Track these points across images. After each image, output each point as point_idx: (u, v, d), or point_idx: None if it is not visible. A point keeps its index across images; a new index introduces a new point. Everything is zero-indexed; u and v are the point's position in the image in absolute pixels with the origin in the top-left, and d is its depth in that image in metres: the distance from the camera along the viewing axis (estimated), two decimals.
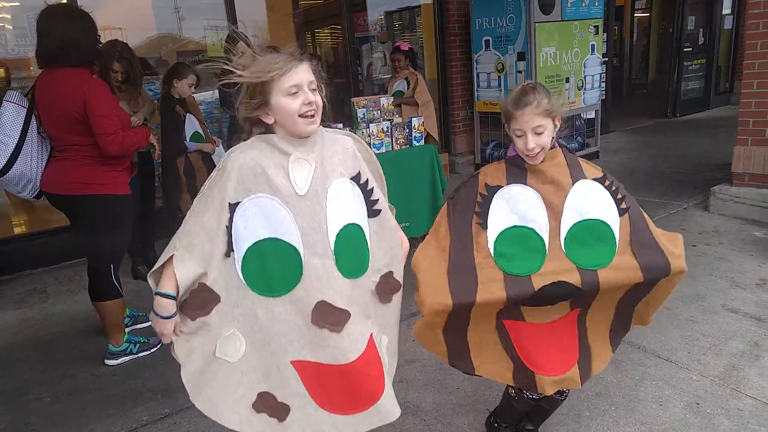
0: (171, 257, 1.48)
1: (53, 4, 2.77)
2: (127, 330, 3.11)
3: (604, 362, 1.90)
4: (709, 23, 9.43)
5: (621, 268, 1.69)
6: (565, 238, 1.72)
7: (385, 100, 4.26)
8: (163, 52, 5.63)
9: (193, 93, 4.08)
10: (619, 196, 1.76)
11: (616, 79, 8.56)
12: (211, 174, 1.51)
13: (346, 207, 1.56)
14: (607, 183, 1.77)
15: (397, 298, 1.75)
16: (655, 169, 6.18)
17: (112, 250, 2.87)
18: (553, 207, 1.73)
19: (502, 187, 1.77)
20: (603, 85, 7.05)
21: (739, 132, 4.37)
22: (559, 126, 1.76)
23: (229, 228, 1.48)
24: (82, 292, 3.91)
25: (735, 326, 2.85)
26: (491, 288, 1.67)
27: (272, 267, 1.50)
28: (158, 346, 3.11)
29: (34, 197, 2.85)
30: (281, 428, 1.58)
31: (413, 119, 4.25)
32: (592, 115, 6.96)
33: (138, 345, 3.06)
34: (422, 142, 4.30)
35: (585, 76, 6.55)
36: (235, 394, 1.56)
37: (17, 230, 4.94)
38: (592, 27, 6.45)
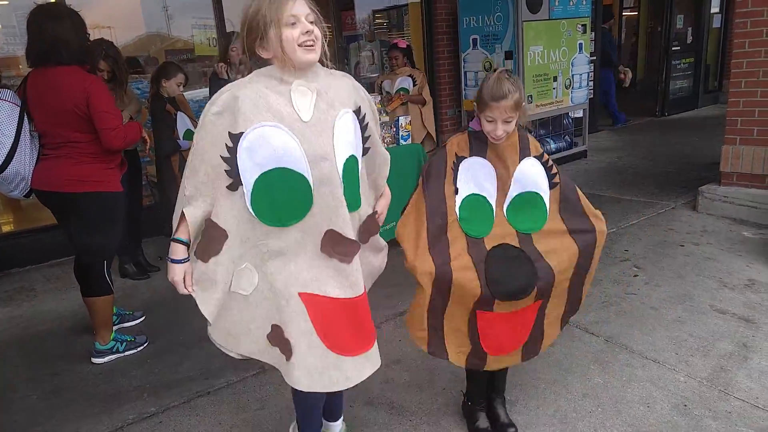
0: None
1: (42, 3, 2.77)
2: (114, 328, 3.10)
3: (551, 342, 2.17)
4: (697, 22, 9.46)
5: (551, 231, 2.00)
6: (507, 207, 2.00)
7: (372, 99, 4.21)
8: (151, 50, 5.60)
9: (181, 92, 4.10)
10: (553, 171, 2.03)
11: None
12: (206, 108, 1.51)
13: (349, 138, 1.59)
14: (543, 159, 2.04)
15: (382, 253, 1.90)
16: (644, 168, 6.18)
17: (105, 247, 2.91)
18: (502, 179, 1.99)
19: (465, 158, 2.00)
20: (591, 84, 7.04)
21: (727, 131, 4.36)
22: (522, 113, 1.96)
23: (233, 159, 1.47)
24: (70, 290, 3.97)
25: (723, 327, 2.83)
26: (458, 248, 1.92)
27: (281, 197, 1.51)
28: (145, 345, 3.10)
29: (24, 196, 2.85)
30: (288, 367, 1.59)
31: (400, 118, 4.21)
32: (580, 114, 6.94)
33: (125, 343, 3.05)
34: (409, 140, 4.25)
35: (573, 75, 6.54)
36: (252, 324, 1.59)
37: (5, 228, 4.90)
38: (580, 26, 6.44)
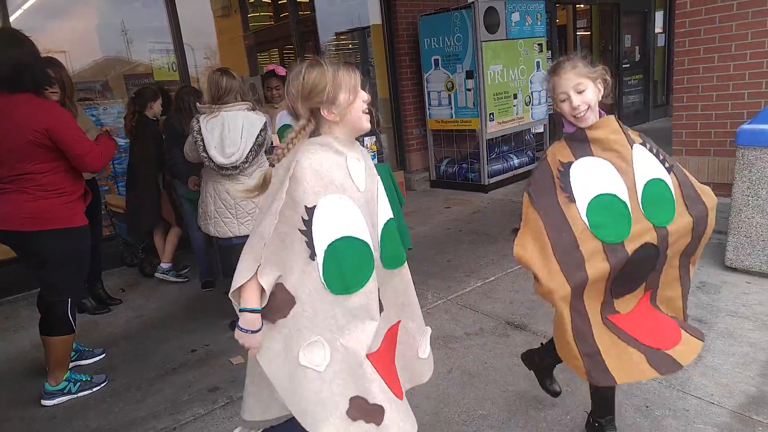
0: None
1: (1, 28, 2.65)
2: (71, 365, 2.96)
3: (696, 350, 1.93)
4: (643, 41, 9.94)
5: (680, 222, 1.81)
6: (641, 200, 1.79)
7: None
8: (109, 75, 5.51)
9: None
10: (661, 156, 1.87)
11: None
12: (273, 181, 1.57)
13: (385, 203, 1.69)
14: (648, 146, 1.87)
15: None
16: None
17: (69, 285, 2.77)
18: (624, 171, 1.80)
19: (573, 162, 1.84)
20: (550, 100, 7.28)
21: (674, 143, 4.61)
22: (602, 90, 1.85)
23: (309, 231, 1.51)
24: (20, 330, 3.80)
25: None
26: (595, 261, 1.74)
27: (348, 265, 1.53)
28: (103, 384, 2.97)
29: None
30: (382, 431, 1.58)
31: (365, 138, 4.27)
32: (540, 129, 7.19)
33: (79, 384, 2.90)
34: (375, 160, 4.33)
35: (532, 92, 6.78)
36: (328, 404, 1.55)
37: None
38: (537, 45, 6.70)
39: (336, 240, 1.52)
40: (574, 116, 1.84)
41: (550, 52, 7.58)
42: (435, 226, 4.93)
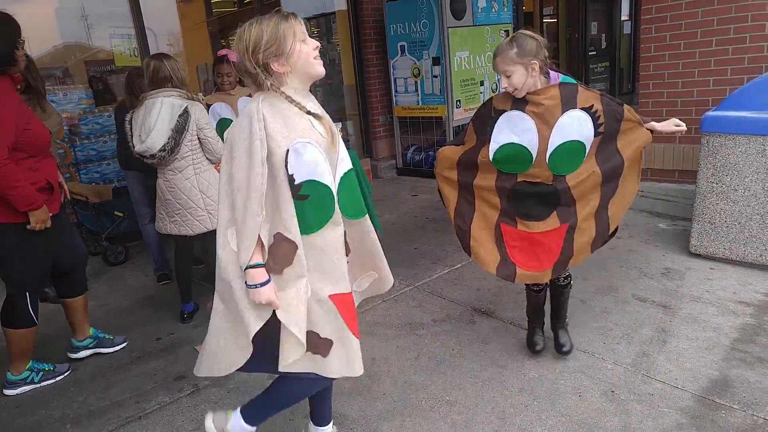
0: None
1: None
2: (89, 353, 2.94)
3: (579, 261, 2.45)
4: (609, 28, 10.02)
5: (583, 173, 2.30)
6: (549, 156, 2.26)
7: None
8: (70, 61, 5.33)
9: None
10: (600, 121, 2.26)
11: None
12: (240, 129, 1.56)
13: (344, 152, 1.75)
14: (593, 110, 2.24)
15: None
16: None
17: (25, 278, 2.68)
18: (542, 132, 2.24)
19: (506, 111, 2.30)
20: None
21: None
22: (536, 69, 2.20)
23: (289, 173, 1.56)
24: None
25: (644, 314, 3.00)
26: (485, 176, 2.43)
27: (309, 207, 1.61)
28: (66, 373, 2.91)
29: None
30: (324, 362, 1.71)
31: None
32: None
33: (42, 373, 2.85)
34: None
35: (498, 79, 6.74)
36: (282, 336, 1.65)
37: None
38: (503, 32, 6.67)
39: (302, 182, 1.58)
40: (509, 91, 2.27)
41: None
42: (402, 214, 4.88)
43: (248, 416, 1.91)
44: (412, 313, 3.24)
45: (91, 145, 5.12)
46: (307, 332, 1.66)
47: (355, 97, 6.95)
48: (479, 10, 6.27)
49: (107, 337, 3.12)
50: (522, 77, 2.20)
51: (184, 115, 2.98)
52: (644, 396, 2.33)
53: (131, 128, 3.07)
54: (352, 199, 1.77)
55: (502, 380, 2.53)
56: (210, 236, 3.22)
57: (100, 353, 3.10)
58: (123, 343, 3.19)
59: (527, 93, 2.24)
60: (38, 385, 2.82)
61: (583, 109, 2.23)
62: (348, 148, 4.28)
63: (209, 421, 1.93)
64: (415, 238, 4.56)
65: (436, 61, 6.11)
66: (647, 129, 2.36)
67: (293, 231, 1.59)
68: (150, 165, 3.11)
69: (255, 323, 1.62)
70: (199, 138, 3.07)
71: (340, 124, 4.32)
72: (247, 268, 1.57)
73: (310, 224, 1.63)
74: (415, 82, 6.40)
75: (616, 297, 3.22)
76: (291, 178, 1.56)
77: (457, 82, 6.18)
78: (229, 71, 3.83)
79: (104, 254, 4.61)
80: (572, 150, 2.25)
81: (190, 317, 3.44)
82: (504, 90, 2.27)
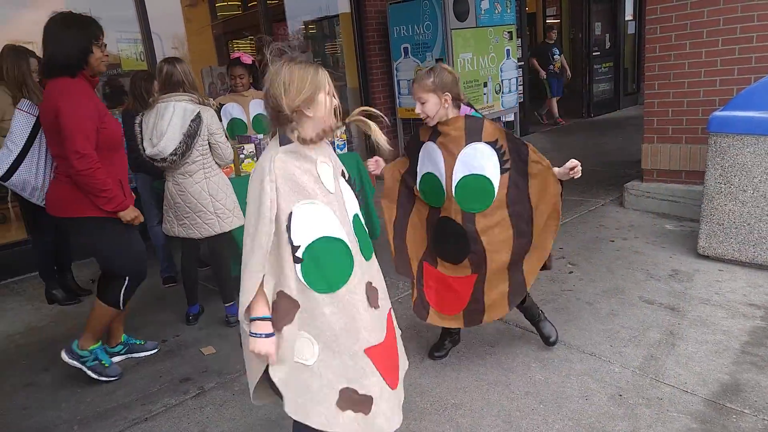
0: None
1: (58, 12, 2.66)
2: (121, 358, 2.95)
3: (497, 316, 2.53)
4: (613, 28, 9.99)
5: (493, 215, 2.37)
6: (455, 187, 2.35)
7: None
8: None
9: None
10: (505, 158, 2.34)
11: (532, 82, 8.91)
12: (254, 186, 1.60)
13: (353, 198, 1.78)
14: (498, 145, 2.34)
15: None
16: None
17: (119, 267, 2.74)
18: (448, 163, 2.35)
19: (425, 142, 2.43)
20: (520, 88, 7.28)
21: (645, 131, 4.60)
22: (448, 101, 2.31)
23: (289, 236, 1.59)
24: None
25: (651, 317, 2.96)
26: (420, 203, 2.55)
27: (327, 264, 1.62)
28: (116, 378, 2.86)
29: (44, 206, 2.79)
30: (368, 421, 1.69)
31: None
32: (511, 117, 7.16)
33: (96, 362, 2.84)
34: (345, 149, 4.24)
35: (502, 80, 6.75)
36: (318, 395, 1.64)
37: None
38: (506, 33, 6.65)
39: (314, 241, 1.61)
40: (420, 115, 2.36)
41: (520, 40, 7.55)
42: None
43: None
44: (415, 315, 3.22)
45: None
46: (345, 389, 1.67)
47: (358, 99, 6.94)
48: (482, 12, 6.26)
49: (138, 342, 3.08)
50: (435, 106, 2.31)
51: (197, 120, 2.99)
52: (653, 400, 2.30)
53: (141, 131, 3.07)
54: (365, 240, 1.78)
55: (508, 383, 2.51)
56: (217, 239, 3.22)
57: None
58: (154, 348, 3.12)
59: (438, 123, 2.36)
60: (84, 370, 2.81)
61: (487, 143, 2.33)
62: (351, 150, 4.29)
63: None
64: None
65: (439, 62, 6.10)
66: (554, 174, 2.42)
67: (293, 287, 1.60)
68: (160, 168, 3.12)
69: (256, 373, 1.67)
70: (209, 143, 3.08)
71: (343, 127, 4.30)
72: (253, 320, 1.60)
73: (334, 281, 1.64)
74: None
75: (623, 299, 3.19)
76: (290, 239, 1.58)
77: (460, 84, 6.15)
78: (242, 73, 3.99)
79: None
80: (478, 185, 2.34)
81: (195, 319, 3.43)
82: (421, 115, 2.36)
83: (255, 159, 3.81)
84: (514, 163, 2.36)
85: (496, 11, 6.44)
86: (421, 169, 2.46)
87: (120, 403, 2.65)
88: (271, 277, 1.61)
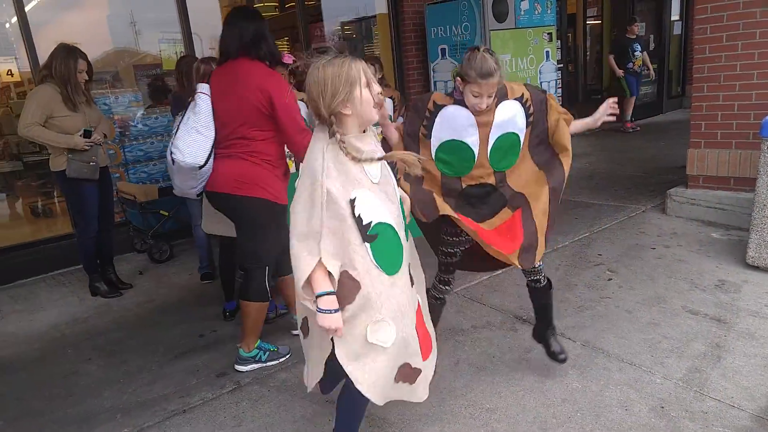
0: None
1: (239, 6, 2.89)
2: (256, 366, 2.89)
3: (542, 254, 2.41)
4: (658, 29, 9.71)
5: (521, 166, 2.34)
6: (490, 150, 2.26)
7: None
8: (119, 65, 5.53)
9: None
10: (530, 111, 2.29)
11: (571, 85, 8.72)
12: (306, 174, 1.69)
13: (395, 184, 1.84)
14: (524, 99, 2.27)
15: None
16: (613, 172, 6.28)
17: (263, 254, 2.78)
18: (484, 127, 2.23)
19: (446, 106, 2.26)
20: (559, 90, 7.16)
21: (692, 135, 4.45)
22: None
23: (359, 219, 1.67)
24: (38, 312, 3.93)
25: (696, 328, 2.87)
26: (430, 178, 2.33)
27: (388, 248, 1.74)
28: (287, 356, 2.94)
29: (197, 195, 2.89)
30: (412, 390, 1.89)
31: (372, 128, 4.15)
32: None
33: (268, 353, 2.91)
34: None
35: (541, 82, 6.63)
36: (390, 374, 1.79)
37: None
38: (546, 34, 6.54)
39: (374, 225, 1.70)
40: (476, 110, 2.19)
41: (559, 41, 7.42)
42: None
43: None
44: (451, 318, 3.20)
45: (139, 146, 5.28)
46: (403, 365, 1.83)
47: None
48: (522, 13, 6.16)
49: (272, 348, 2.97)
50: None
51: None
52: (697, 414, 2.23)
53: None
54: (404, 225, 1.88)
55: (544, 390, 2.46)
56: None
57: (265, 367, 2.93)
58: (288, 354, 3.01)
59: None
60: (265, 364, 2.87)
61: (515, 99, 2.27)
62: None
63: None
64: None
65: (476, 51, 6.04)
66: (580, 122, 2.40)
67: (359, 269, 1.69)
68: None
69: (324, 353, 1.81)
70: None
71: (378, 127, 4.30)
72: (319, 296, 1.66)
73: (395, 263, 1.77)
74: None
75: (665, 309, 3.09)
76: (359, 219, 1.66)
77: None
78: (283, 72, 3.93)
79: (150, 252, 4.74)
80: (508, 143, 2.28)
81: (232, 315, 3.49)
82: (475, 108, 2.18)
83: (292, 158, 3.85)
84: (536, 113, 2.31)
85: (536, 12, 6.35)
86: (440, 136, 2.27)
87: (159, 395, 2.72)
88: (337, 259, 1.68)
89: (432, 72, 6.55)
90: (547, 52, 6.63)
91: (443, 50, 6.35)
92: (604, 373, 2.54)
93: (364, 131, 1.77)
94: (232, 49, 2.67)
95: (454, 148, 2.27)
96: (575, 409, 2.32)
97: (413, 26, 6.70)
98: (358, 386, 1.73)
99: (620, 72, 8.40)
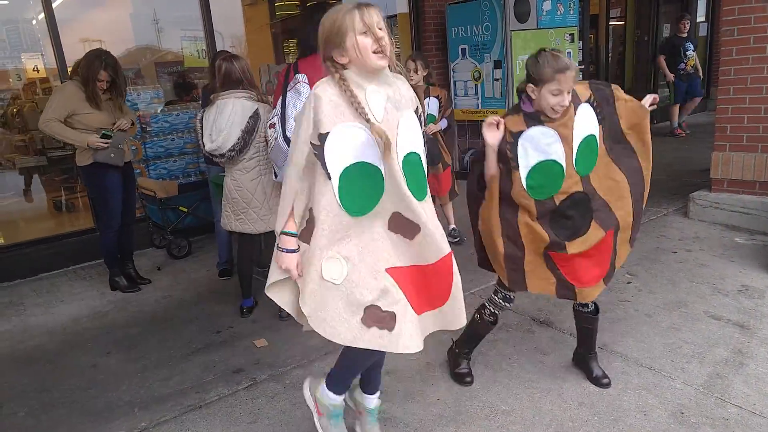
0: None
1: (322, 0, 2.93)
2: None
3: (624, 260, 2.40)
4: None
5: (599, 167, 2.24)
6: (575, 158, 2.17)
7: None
8: (141, 62, 5.61)
9: None
10: (598, 109, 2.21)
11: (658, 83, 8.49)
12: (300, 110, 1.73)
13: (411, 136, 1.77)
14: (591, 100, 2.20)
15: None
16: None
17: None
18: (566, 138, 2.14)
19: (524, 131, 2.15)
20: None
21: (716, 138, 4.38)
22: None
23: (321, 155, 1.67)
24: (60, 305, 3.99)
25: (718, 333, 2.82)
26: (525, 214, 2.24)
27: (361, 188, 1.70)
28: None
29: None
30: (393, 338, 1.74)
31: None
32: None
33: None
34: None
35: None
36: (346, 312, 1.72)
37: None
38: (568, 35, 6.48)
39: (349, 165, 1.68)
40: (555, 109, 2.08)
41: (581, 42, 7.33)
42: (458, 219, 4.80)
43: (330, 386, 2.06)
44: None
45: (159, 143, 5.34)
46: (369, 306, 1.73)
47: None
48: (544, 13, 6.11)
49: None
50: None
51: (254, 116, 3.05)
52: (718, 420, 2.19)
53: (202, 127, 3.16)
54: (418, 180, 1.79)
55: (561, 392, 2.44)
56: (272, 235, 3.27)
57: None
58: None
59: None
60: None
61: (585, 101, 2.21)
62: None
63: (306, 389, 2.12)
64: (471, 244, 4.47)
65: (497, 64, 6.01)
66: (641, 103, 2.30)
67: (320, 206, 1.70)
68: (218, 163, 3.21)
69: (273, 277, 1.84)
70: (266, 139, 3.13)
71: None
72: (281, 234, 1.77)
73: (364, 205, 1.72)
74: (476, 85, 6.31)
75: (686, 313, 3.04)
76: (323, 158, 1.66)
77: None
78: None
79: (168, 247, 4.79)
80: (589, 146, 2.22)
81: (249, 312, 3.51)
82: (558, 107, 2.08)
83: None
84: (604, 109, 2.24)
85: (558, 12, 6.28)
86: (527, 163, 2.16)
87: (176, 390, 2.74)
88: (304, 196, 1.74)
89: (452, 72, 6.53)
90: (569, 53, 6.55)
91: (464, 50, 6.33)
92: (623, 377, 2.51)
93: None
94: (316, 43, 2.76)
95: (544, 169, 2.17)
96: (592, 412, 2.29)
97: (434, 26, 6.68)
98: (312, 323, 1.74)
99: (671, 76, 7.86)
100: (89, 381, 2.90)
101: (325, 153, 1.66)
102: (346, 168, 1.68)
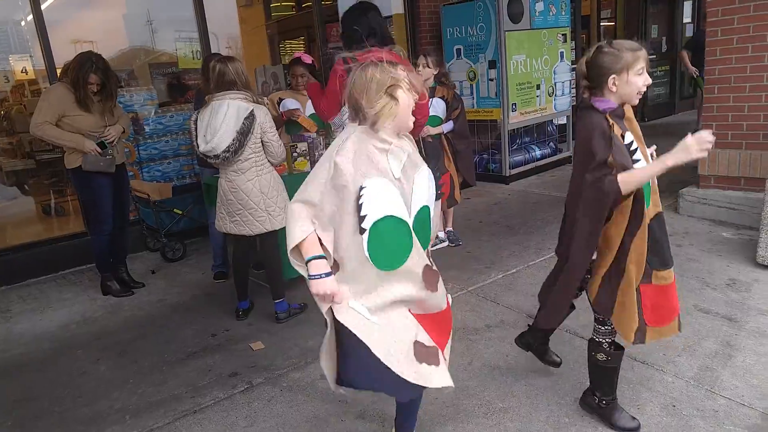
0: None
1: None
2: None
3: None
4: (670, 31, 9.67)
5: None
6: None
7: None
8: (135, 64, 5.58)
9: None
10: None
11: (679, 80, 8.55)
12: (323, 159, 1.72)
13: (424, 192, 1.79)
14: None
15: None
16: None
17: None
18: (642, 146, 2.01)
19: (623, 135, 1.98)
20: (573, 91, 7.14)
21: None
22: None
23: (358, 208, 1.65)
24: (47, 311, 3.93)
25: (707, 327, 2.88)
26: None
27: (391, 242, 1.69)
28: None
29: None
30: (438, 372, 1.78)
31: (299, 144, 3.92)
32: (563, 120, 7.04)
33: None
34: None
35: (555, 83, 6.64)
36: (399, 346, 1.72)
37: None
38: (561, 35, 6.55)
39: (380, 219, 1.66)
40: (641, 91, 1.93)
41: (573, 42, 7.41)
42: (455, 218, 4.86)
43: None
44: (465, 317, 3.22)
45: (153, 145, 5.33)
46: (416, 342, 1.76)
47: None
48: (537, 14, 6.18)
49: None
50: None
51: (250, 118, 3.05)
52: (708, 412, 2.24)
53: (196, 128, 3.16)
54: (425, 232, 1.83)
55: (557, 389, 2.48)
56: (268, 236, 3.29)
57: None
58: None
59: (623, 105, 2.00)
60: None
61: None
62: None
63: None
64: (468, 242, 4.53)
65: (492, 64, 6.06)
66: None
67: (351, 257, 1.70)
68: (214, 165, 3.21)
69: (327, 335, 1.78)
70: (262, 141, 3.14)
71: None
72: (309, 260, 1.68)
73: (393, 260, 1.71)
74: (471, 85, 6.36)
75: None
76: (359, 208, 1.65)
77: (513, 86, 6.11)
78: (303, 73, 4.08)
79: (163, 250, 4.75)
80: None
81: (245, 315, 3.50)
82: (643, 87, 1.93)
83: (308, 158, 3.88)
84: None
85: (551, 13, 6.35)
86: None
87: (170, 395, 2.71)
88: (331, 233, 1.70)
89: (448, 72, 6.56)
90: (562, 53, 6.63)
91: (458, 50, 6.37)
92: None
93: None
94: (353, 42, 2.88)
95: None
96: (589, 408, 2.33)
97: (429, 26, 6.71)
98: (375, 352, 1.68)
99: (694, 70, 7.52)
100: (79, 389, 2.84)
101: (361, 206, 1.66)
102: (377, 221, 1.66)
